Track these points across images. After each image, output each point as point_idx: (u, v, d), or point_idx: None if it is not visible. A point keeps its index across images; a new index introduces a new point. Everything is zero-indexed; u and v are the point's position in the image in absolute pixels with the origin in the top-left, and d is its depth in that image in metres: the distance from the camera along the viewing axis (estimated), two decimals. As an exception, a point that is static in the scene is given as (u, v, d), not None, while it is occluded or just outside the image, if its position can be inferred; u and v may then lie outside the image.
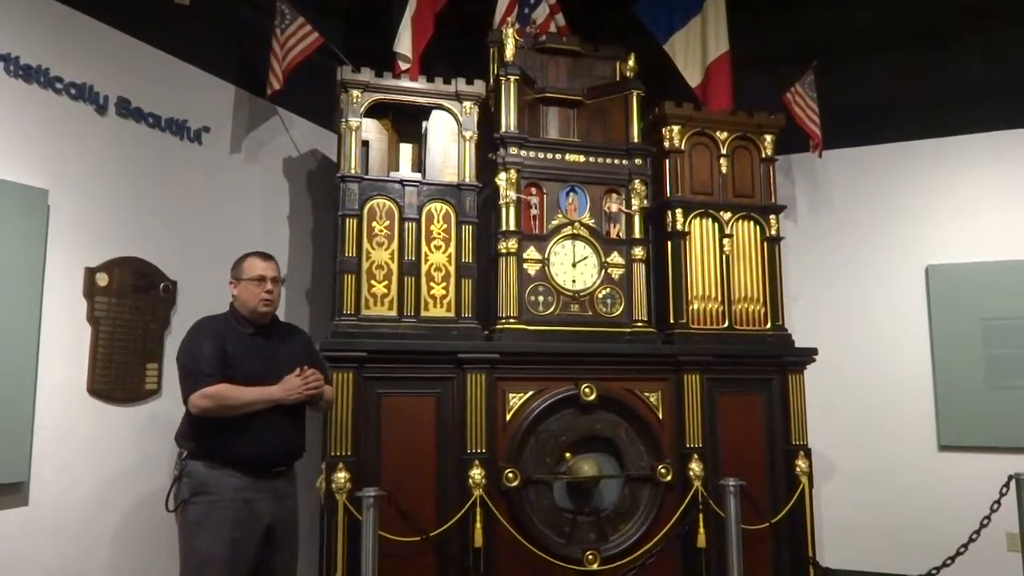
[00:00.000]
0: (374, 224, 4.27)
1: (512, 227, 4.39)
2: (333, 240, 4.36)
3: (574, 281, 4.53)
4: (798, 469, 4.55)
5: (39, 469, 3.24)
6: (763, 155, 4.94)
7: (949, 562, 3.83)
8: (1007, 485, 3.78)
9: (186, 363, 3.15)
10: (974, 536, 3.80)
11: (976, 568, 4.03)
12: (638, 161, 4.69)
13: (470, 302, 4.35)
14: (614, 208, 4.68)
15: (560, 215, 4.58)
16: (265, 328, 3.32)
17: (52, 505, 3.30)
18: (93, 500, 3.49)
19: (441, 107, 4.48)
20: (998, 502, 3.82)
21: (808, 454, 4.60)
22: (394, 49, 4.38)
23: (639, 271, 4.62)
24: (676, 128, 4.79)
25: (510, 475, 4.09)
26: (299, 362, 3.27)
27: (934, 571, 3.89)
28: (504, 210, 4.39)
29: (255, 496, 3.07)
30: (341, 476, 3.81)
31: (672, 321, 4.64)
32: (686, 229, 4.72)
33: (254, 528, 3.05)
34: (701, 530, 4.27)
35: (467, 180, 4.42)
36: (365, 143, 4.42)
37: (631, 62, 4.79)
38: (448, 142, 4.51)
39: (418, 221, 4.34)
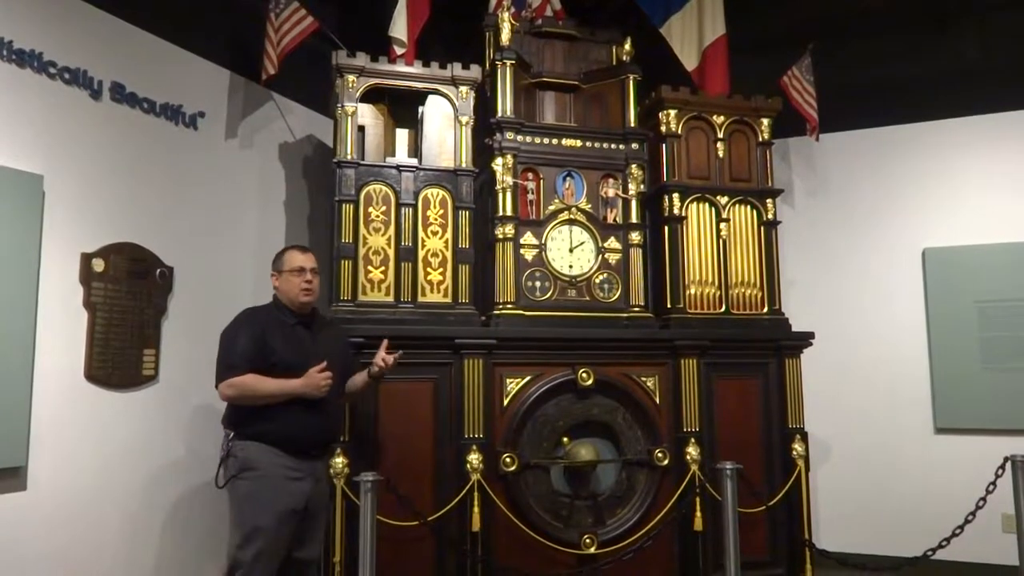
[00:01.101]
0: (371, 210, 4.27)
1: (509, 212, 4.38)
2: (330, 226, 4.35)
3: (571, 266, 4.53)
4: (795, 452, 4.56)
5: (37, 454, 3.24)
6: (760, 139, 4.93)
7: (945, 543, 3.86)
8: (1003, 467, 3.80)
9: (220, 352, 3.30)
10: (970, 518, 3.83)
11: (972, 549, 4.07)
12: (635, 146, 4.68)
13: (467, 288, 4.35)
14: (611, 193, 4.67)
15: (557, 200, 4.58)
16: (307, 319, 3.45)
17: (50, 490, 3.31)
18: (90, 485, 3.50)
19: (437, 92, 4.47)
20: (994, 484, 3.84)
21: (804, 437, 4.61)
22: (390, 33, 4.36)
23: (636, 256, 4.62)
24: (673, 112, 4.77)
25: (508, 460, 4.10)
26: (333, 354, 3.40)
27: (930, 552, 3.91)
28: (501, 195, 4.38)
29: (296, 475, 3.22)
30: (339, 461, 3.82)
31: (669, 306, 4.64)
32: (683, 213, 4.72)
33: (294, 504, 3.19)
34: (698, 513, 4.28)
35: (463, 165, 4.42)
36: (361, 128, 4.41)
37: (627, 46, 4.77)
38: (444, 127, 4.49)
39: (415, 207, 4.33)
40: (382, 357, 3.51)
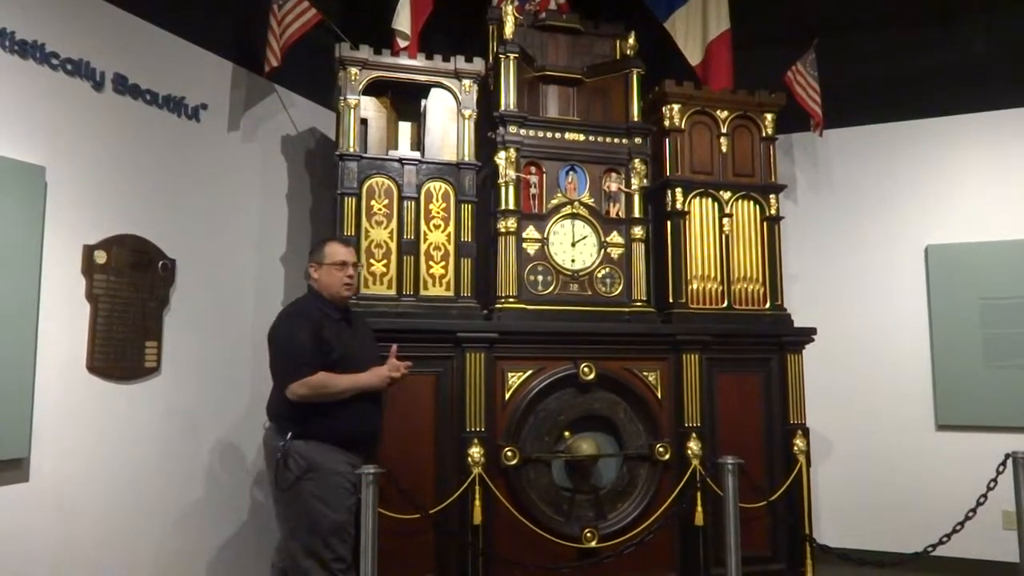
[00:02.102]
0: (373, 203, 4.26)
1: (511, 206, 4.38)
2: (332, 219, 4.34)
3: (573, 260, 4.53)
4: (796, 448, 4.57)
5: (39, 446, 3.24)
6: (763, 134, 4.92)
7: (946, 539, 3.85)
8: (1004, 463, 3.79)
9: (285, 353, 3.30)
10: (971, 514, 3.82)
11: (972, 546, 4.07)
12: (638, 140, 4.67)
13: (469, 281, 4.35)
14: (614, 187, 4.67)
15: (559, 194, 4.57)
16: (346, 313, 3.53)
17: (52, 481, 3.31)
18: (93, 476, 3.50)
19: (440, 85, 4.46)
20: (995, 480, 3.84)
21: (806, 433, 4.61)
22: (393, 26, 4.34)
23: (638, 250, 4.62)
24: (676, 107, 4.76)
25: (509, 453, 4.10)
26: (371, 346, 3.55)
27: (930, 548, 3.91)
28: (503, 189, 4.38)
29: (354, 470, 3.23)
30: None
31: (671, 301, 4.64)
32: (686, 208, 4.71)
33: (357, 500, 3.21)
34: (699, 508, 4.29)
35: (466, 159, 4.41)
36: (364, 121, 4.40)
37: (631, 40, 4.76)
38: (447, 120, 4.48)
39: (417, 200, 4.33)
40: (397, 367, 3.47)
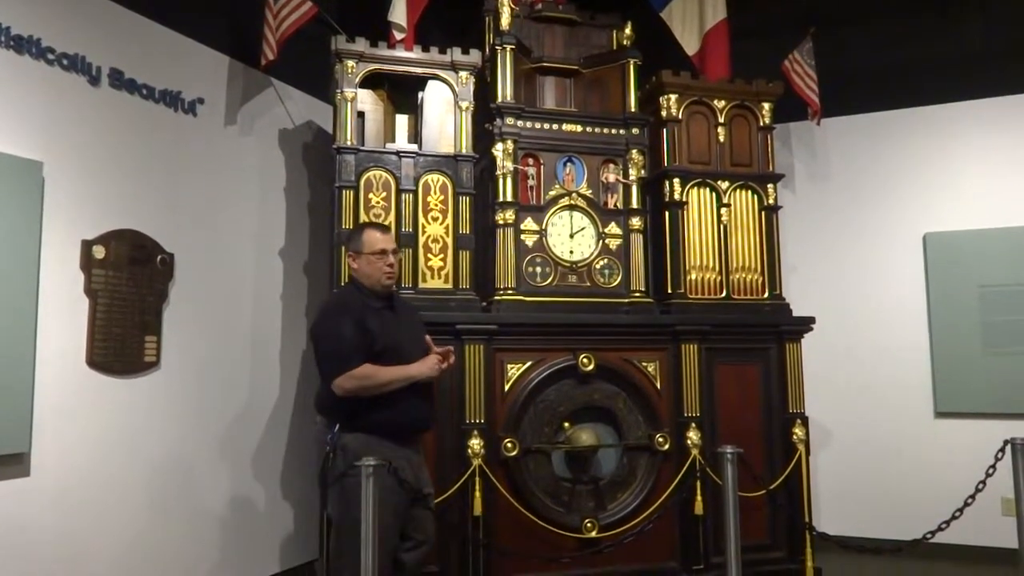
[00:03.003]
0: (371, 196, 4.26)
1: (509, 198, 4.38)
2: (330, 212, 4.35)
3: (572, 252, 4.53)
4: (795, 437, 4.58)
5: (39, 440, 3.25)
6: (761, 123, 4.92)
7: (944, 526, 3.85)
8: (1002, 450, 3.80)
9: (330, 346, 3.22)
10: (969, 501, 3.83)
11: (971, 532, 4.07)
12: (635, 131, 4.67)
13: (468, 273, 4.35)
14: (611, 178, 4.67)
15: (557, 186, 4.57)
16: (390, 301, 3.40)
17: (53, 475, 3.32)
18: (93, 471, 3.51)
19: (437, 77, 4.45)
20: (993, 467, 3.84)
21: (805, 422, 4.63)
22: (389, 19, 4.33)
23: (637, 241, 4.62)
24: (673, 97, 4.76)
25: (509, 445, 4.11)
26: (418, 333, 3.41)
27: (929, 535, 3.92)
28: (501, 181, 4.38)
29: (402, 463, 3.15)
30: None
31: (670, 291, 4.65)
32: (684, 199, 4.71)
33: (403, 494, 3.14)
34: (699, 497, 4.31)
35: (464, 151, 4.41)
36: (361, 114, 4.40)
37: (628, 31, 4.76)
38: (444, 113, 4.48)
39: (415, 192, 4.33)
40: (447, 354, 3.37)
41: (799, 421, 4.61)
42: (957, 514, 3.81)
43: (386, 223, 4.25)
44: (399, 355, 3.23)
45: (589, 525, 4.21)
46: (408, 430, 3.29)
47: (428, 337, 3.42)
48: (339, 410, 3.21)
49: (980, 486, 3.83)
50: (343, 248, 4.12)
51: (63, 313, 3.40)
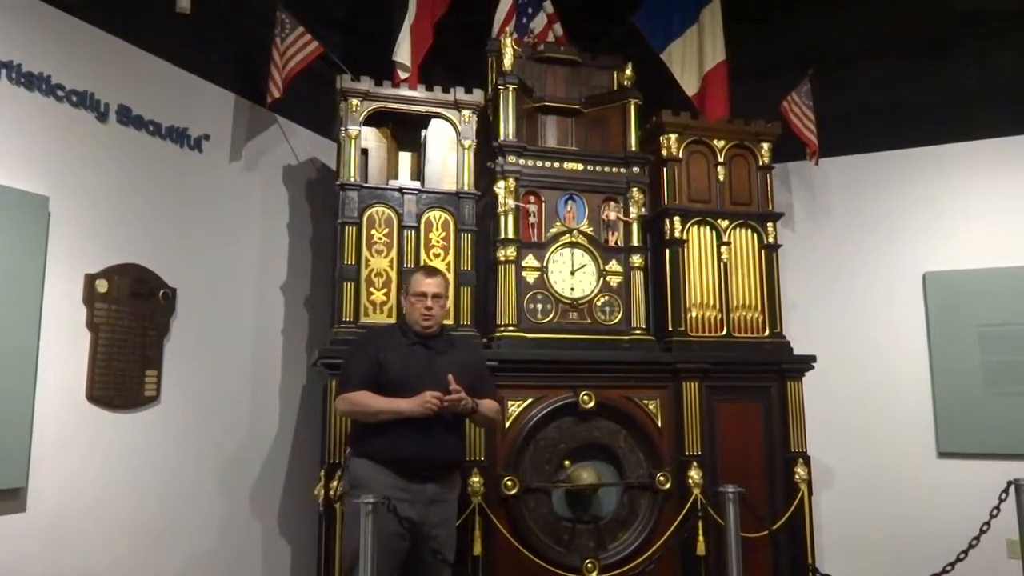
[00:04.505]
0: (373, 232, 4.29)
1: (511, 235, 4.40)
2: (332, 248, 4.37)
3: (572, 289, 4.54)
4: (797, 476, 4.54)
5: (37, 475, 3.23)
6: (760, 163, 4.96)
7: (949, 568, 3.81)
8: (1006, 491, 3.77)
9: (342, 369, 3.53)
10: (974, 543, 3.79)
11: (977, 575, 4.01)
12: (636, 169, 4.71)
13: (469, 310, 4.35)
14: (612, 216, 4.69)
15: (558, 223, 4.60)
16: (429, 339, 3.50)
17: (50, 512, 3.29)
18: (91, 507, 3.48)
19: (440, 116, 4.50)
20: (997, 508, 3.81)
21: (807, 461, 4.59)
22: (393, 58, 4.40)
23: (637, 279, 4.63)
24: (673, 136, 4.81)
25: (509, 483, 4.08)
26: (456, 373, 3.31)
27: (934, 578, 3.87)
28: (503, 218, 4.40)
29: (404, 496, 3.18)
30: (335, 484, 3.79)
31: (670, 329, 4.65)
32: (684, 237, 4.73)
33: (397, 527, 3.08)
34: (700, 538, 4.25)
35: (466, 188, 4.44)
36: (364, 151, 4.44)
37: (628, 71, 4.81)
38: (447, 150, 4.53)
39: (417, 229, 4.35)
40: (431, 397, 3.26)
41: (801, 460, 4.57)
42: (962, 556, 3.77)
43: (388, 259, 4.27)
44: (407, 391, 3.28)
45: (590, 566, 4.15)
46: (409, 464, 3.27)
47: (451, 377, 3.30)
48: (353, 435, 3.49)
49: (984, 527, 3.79)
50: (344, 283, 4.15)
51: (64, 347, 3.41)
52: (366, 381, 3.32)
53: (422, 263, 4.32)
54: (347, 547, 3.29)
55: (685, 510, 4.30)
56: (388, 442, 3.26)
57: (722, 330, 4.72)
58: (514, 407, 4.24)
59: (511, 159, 4.47)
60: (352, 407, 3.33)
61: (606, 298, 4.58)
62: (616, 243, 4.67)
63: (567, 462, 4.30)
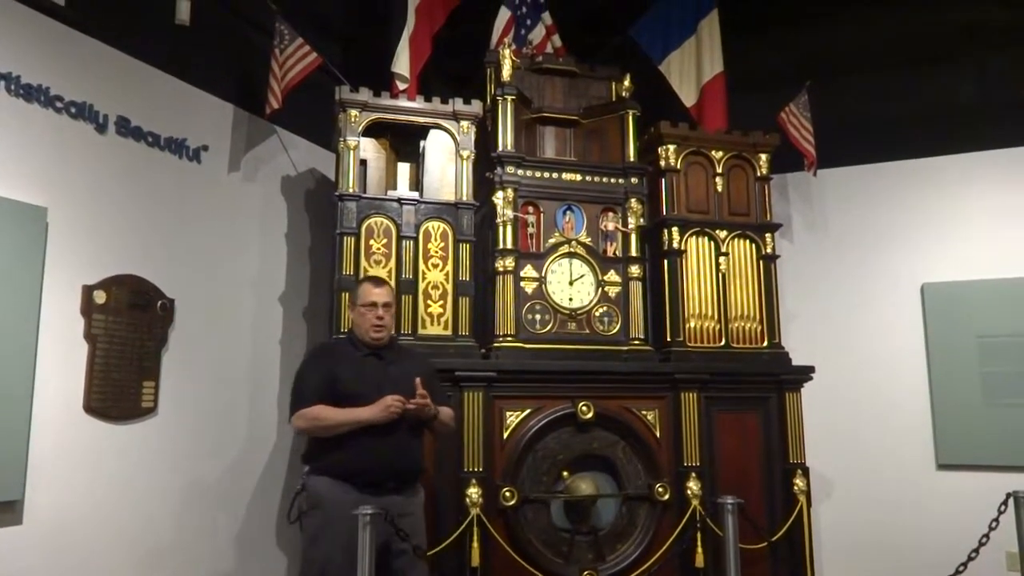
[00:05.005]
0: (372, 242, 4.29)
1: (509, 245, 4.41)
2: (331, 258, 4.37)
3: (571, 299, 4.54)
4: (796, 487, 4.54)
5: (34, 487, 3.21)
6: (758, 174, 4.97)
7: (948, 580, 3.81)
8: (1005, 503, 3.76)
9: (294, 386, 3.40)
10: (973, 555, 3.77)
11: (976, 587, 4.00)
12: (634, 180, 4.72)
13: (467, 320, 4.36)
14: (611, 226, 4.70)
15: (557, 233, 4.60)
16: (380, 350, 3.45)
17: (47, 524, 3.27)
18: (88, 519, 3.46)
19: (439, 127, 4.51)
20: (996, 520, 3.80)
21: (806, 472, 4.59)
22: (392, 69, 4.43)
23: (636, 289, 4.63)
24: (672, 147, 4.82)
25: (507, 494, 4.07)
26: (405, 383, 3.30)
27: (933, 590, 3.86)
28: (501, 228, 4.41)
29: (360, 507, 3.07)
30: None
31: (669, 339, 4.65)
32: (682, 247, 4.74)
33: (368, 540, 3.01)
34: (699, 549, 4.25)
35: (464, 199, 4.45)
36: (363, 162, 4.45)
37: (627, 82, 4.82)
38: (445, 161, 4.54)
39: (415, 239, 4.36)
40: (394, 400, 3.25)
41: (800, 471, 4.57)
42: (961, 568, 3.76)
43: (386, 269, 4.27)
44: (363, 403, 3.24)
45: (588, 577, 4.15)
46: (371, 474, 3.21)
47: (418, 380, 3.31)
48: (308, 452, 3.38)
49: (983, 540, 3.78)
50: (343, 294, 4.15)
51: (62, 358, 3.40)
52: (321, 395, 3.26)
53: (421, 274, 4.32)
54: (314, 565, 3.16)
55: (684, 521, 4.29)
56: (348, 455, 3.19)
57: (720, 341, 4.72)
58: (512, 417, 4.23)
59: (510, 169, 4.48)
60: (311, 422, 3.25)
61: (604, 308, 4.58)
62: (615, 253, 4.68)
63: (565, 473, 4.30)
